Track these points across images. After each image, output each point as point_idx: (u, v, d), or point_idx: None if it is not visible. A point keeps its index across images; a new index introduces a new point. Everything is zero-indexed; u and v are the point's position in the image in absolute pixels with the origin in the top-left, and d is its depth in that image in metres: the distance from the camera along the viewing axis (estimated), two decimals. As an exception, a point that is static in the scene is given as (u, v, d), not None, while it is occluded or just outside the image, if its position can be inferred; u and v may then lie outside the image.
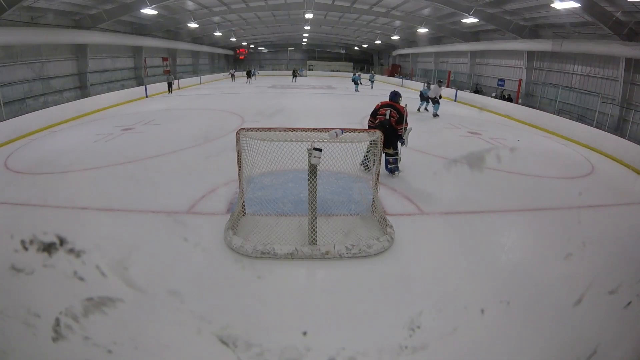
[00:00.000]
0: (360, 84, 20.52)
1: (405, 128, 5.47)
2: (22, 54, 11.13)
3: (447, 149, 7.70)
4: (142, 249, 3.57)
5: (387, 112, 5.46)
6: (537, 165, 6.92)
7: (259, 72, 29.80)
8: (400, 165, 5.76)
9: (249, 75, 24.89)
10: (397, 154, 5.58)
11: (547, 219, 4.68)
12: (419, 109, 12.40)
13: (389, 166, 5.65)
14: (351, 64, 36.13)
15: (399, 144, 5.62)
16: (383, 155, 5.19)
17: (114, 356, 2.27)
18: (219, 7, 16.98)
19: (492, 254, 3.81)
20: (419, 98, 12.42)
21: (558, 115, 11.44)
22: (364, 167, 4.82)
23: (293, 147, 3.58)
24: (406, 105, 5.60)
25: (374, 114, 5.62)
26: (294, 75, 26.53)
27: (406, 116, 5.44)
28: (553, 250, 3.84)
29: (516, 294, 3.03)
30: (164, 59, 21.54)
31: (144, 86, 16.46)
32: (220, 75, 28.58)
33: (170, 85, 17.62)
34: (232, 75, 26.53)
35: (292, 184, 5.00)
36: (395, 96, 5.70)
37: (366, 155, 4.63)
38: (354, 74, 22.63)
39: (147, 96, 16.19)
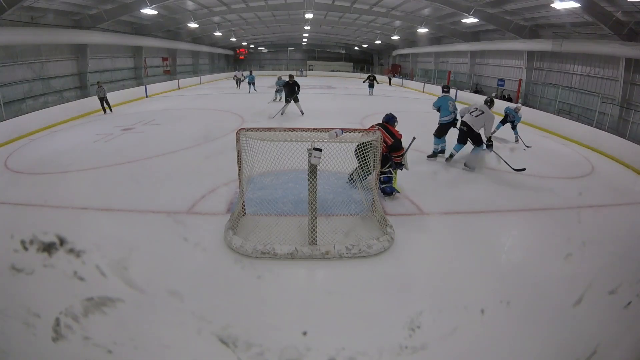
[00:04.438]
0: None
1: (404, 154, 4.84)
2: (22, 54, 11.12)
3: (447, 149, 7.68)
4: (142, 249, 3.57)
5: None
6: (537, 165, 6.92)
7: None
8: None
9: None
10: (390, 172, 4.83)
11: (547, 219, 4.68)
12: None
13: (381, 185, 4.86)
14: (351, 64, 36.12)
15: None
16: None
17: (114, 356, 2.27)
18: (219, 7, 16.98)
19: (492, 254, 3.81)
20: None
21: (558, 115, 11.44)
22: (350, 180, 4.79)
23: (293, 147, 3.58)
24: (414, 138, 5.05)
25: None
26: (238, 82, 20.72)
27: (402, 141, 4.78)
28: (553, 250, 3.84)
29: (516, 294, 3.02)
30: (164, 59, 21.55)
31: (144, 86, 16.47)
32: (222, 75, 28.29)
33: (103, 101, 11.81)
34: (238, 81, 20.88)
35: (292, 184, 5.00)
36: (390, 119, 5.00)
37: (355, 169, 4.61)
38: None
39: (147, 96, 16.21)
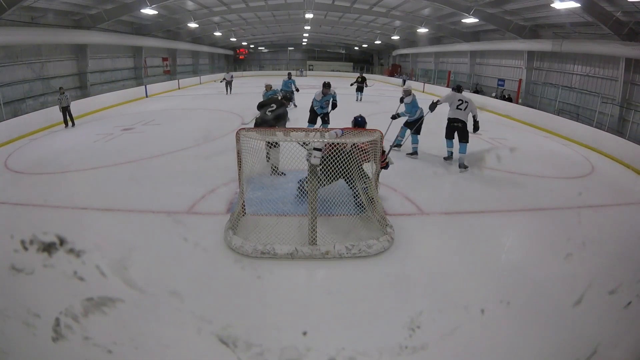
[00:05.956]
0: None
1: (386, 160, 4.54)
2: (22, 54, 11.12)
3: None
4: (142, 249, 3.57)
5: None
6: (537, 165, 6.92)
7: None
8: (395, 166, 4.78)
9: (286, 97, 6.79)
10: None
11: (547, 219, 4.67)
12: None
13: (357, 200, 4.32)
14: (351, 64, 36.09)
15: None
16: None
17: (114, 356, 2.27)
18: (219, 7, 16.98)
19: (492, 253, 3.80)
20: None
21: (558, 115, 11.44)
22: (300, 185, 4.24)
23: (293, 147, 3.58)
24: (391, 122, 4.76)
25: None
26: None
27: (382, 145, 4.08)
28: (553, 250, 3.83)
29: (516, 294, 3.02)
30: (164, 59, 21.55)
31: (144, 86, 16.48)
32: (221, 75, 28.03)
33: (66, 111, 9.65)
34: (228, 84, 17.16)
35: (292, 184, 5.00)
36: (361, 121, 4.67)
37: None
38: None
39: (147, 96, 16.21)
